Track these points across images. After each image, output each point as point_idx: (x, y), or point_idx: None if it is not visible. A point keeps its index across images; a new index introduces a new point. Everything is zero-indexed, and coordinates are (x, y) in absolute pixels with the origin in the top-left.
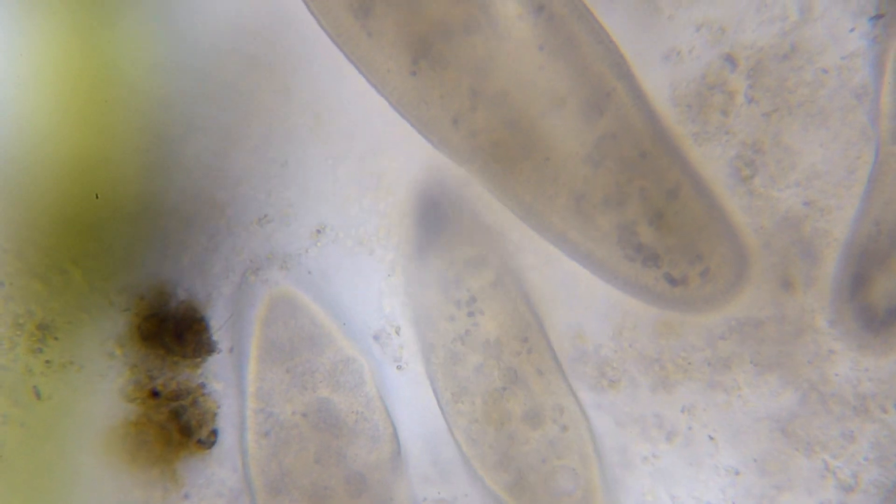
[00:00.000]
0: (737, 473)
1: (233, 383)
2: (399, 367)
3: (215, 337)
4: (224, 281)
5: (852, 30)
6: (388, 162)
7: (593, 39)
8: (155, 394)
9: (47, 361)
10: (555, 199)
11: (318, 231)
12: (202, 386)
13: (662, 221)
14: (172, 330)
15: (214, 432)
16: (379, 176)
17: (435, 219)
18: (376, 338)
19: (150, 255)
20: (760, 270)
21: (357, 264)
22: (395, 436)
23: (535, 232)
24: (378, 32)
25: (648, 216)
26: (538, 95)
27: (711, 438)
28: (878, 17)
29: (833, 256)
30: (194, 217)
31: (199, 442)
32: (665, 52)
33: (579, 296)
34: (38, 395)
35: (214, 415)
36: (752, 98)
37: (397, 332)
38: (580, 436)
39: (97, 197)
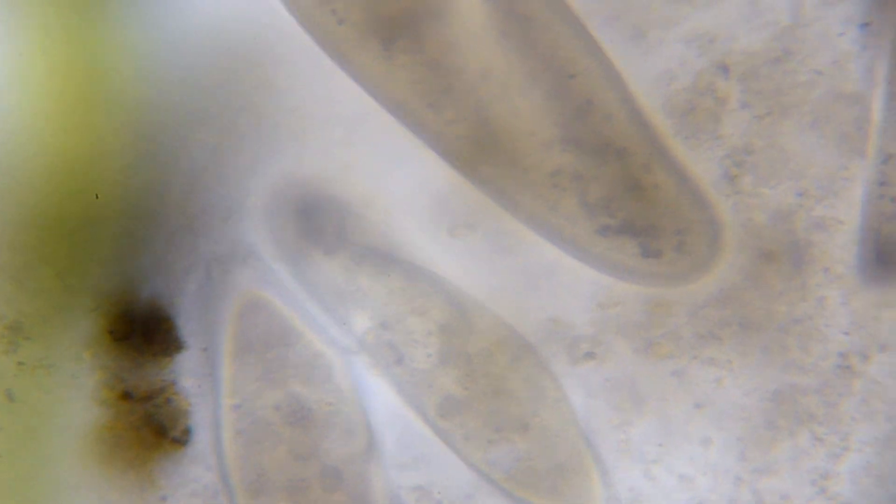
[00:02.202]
0: (712, 444)
1: (204, 380)
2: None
3: (183, 335)
4: (189, 278)
5: (842, 34)
6: (355, 152)
7: (558, 20)
8: (127, 395)
9: (20, 363)
10: (527, 180)
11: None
12: (174, 384)
13: (634, 197)
14: (141, 330)
15: (188, 430)
16: (344, 168)
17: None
18: (345, 330)
19: (117, 253)
20: (734, 243)
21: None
22: (368, 427)
23: (509, 213)
24: (348, 20)
25: (620, 193)
26: (507, 79)
27: (698, 407)
28: (865, 24)
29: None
30: (157, 215)
31: (174, 440)
32: (657, 74)
33: (560, 281)
34: (10, 398)
35: (187, 413)
36: (746, 102)
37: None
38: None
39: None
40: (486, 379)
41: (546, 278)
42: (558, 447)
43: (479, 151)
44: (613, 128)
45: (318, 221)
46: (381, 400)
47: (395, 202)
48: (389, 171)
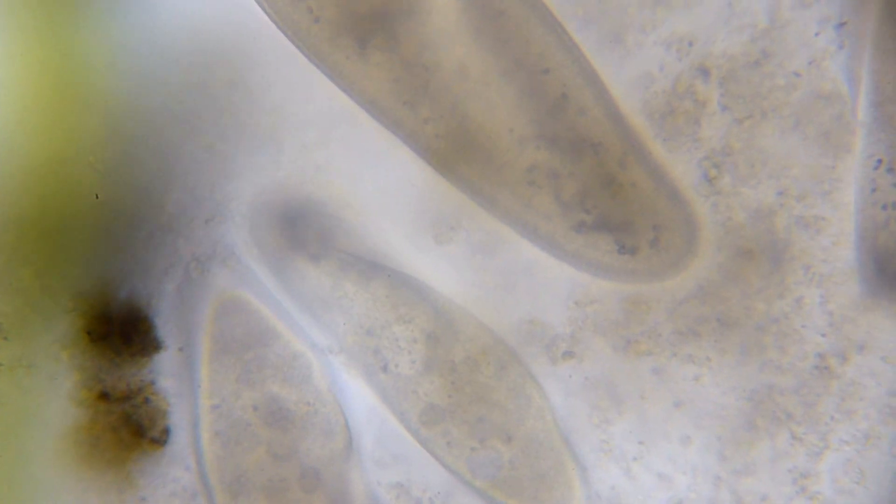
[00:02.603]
0: (692, 443)
1: (182, 380)
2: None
3: (161, 335)
4: (167, 278)
5: (817, 34)
6: (331, 151)
7: (532, 15)
8: (105, 395)
9: None
10: (502, 177)
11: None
12: (152, 384)
13: (610, 194)
14: (119, 330)
15: (167, 430)
16: (319, 167)
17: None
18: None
19: (95, 253)
20: (711, 240)
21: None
22: (347, 427)
23: (486, 211)
24: (323, 18)
25: (595, 189)
26: (482, 76)
27: (678, 406)
28: (842, 24)
29: (813, 244)
30: (136, 214)
31: (152, 441)
32: (636, 77)
33: (538, 279)
34: None
35: (166, 413)
36: (726, 106)
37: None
38: (536, 414)
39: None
40: (470, 387)
41: (524, 277)
42: (542, 456)
43: (456, 149)
44: (588, 123)
45: (302, 228)
46: (360, 399)
47: (372, 202)
48: (366, 170)
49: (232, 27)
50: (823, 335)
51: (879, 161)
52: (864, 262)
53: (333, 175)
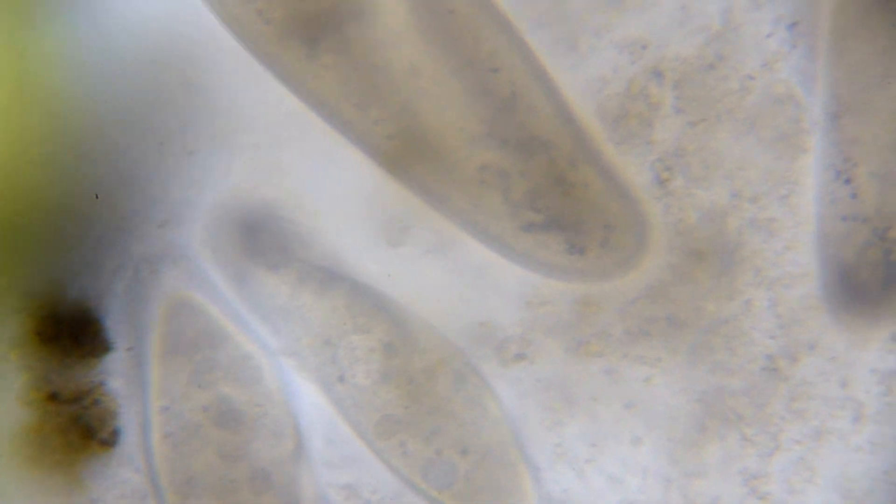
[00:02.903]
0: (643, 445)
1: (132, 381)
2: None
3: (111, 336)
4: (117, 278)
5: (769, 35)
6: (284, 153)
7: (481, 14)
8: (54, 396)
9: None
10: (453, 177)
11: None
12: (102, 385)
13: (559, 193)
14: (68, 331)
15: (116, 432)
16: (271, 168)
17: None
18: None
19: (44, 254)
20: (662, 240)
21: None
22: (297, 429)
23: (437, 211)
24: (272, 20)
25: (545, 188)
26: (432, 76)
27: (628, 407)
28: (793, 24)
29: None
30: (86, 214)
31: (102, 442)
32: (590, 80)
33: (489, 280)
34: None
35: (115, 414)
36: (680, 108)
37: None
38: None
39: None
40: (427, 399)
41: (475, 278)
42: (497, 468)
43: (407, 150)
44: (538, 122)
45: (261, 237)
46: (310, 400)
47: (323, 203)
48: (317, 171)
49: (183, 29)
50: (772, 337)
51: (838, 172)
52: (827, 274)
53: (285, 176)
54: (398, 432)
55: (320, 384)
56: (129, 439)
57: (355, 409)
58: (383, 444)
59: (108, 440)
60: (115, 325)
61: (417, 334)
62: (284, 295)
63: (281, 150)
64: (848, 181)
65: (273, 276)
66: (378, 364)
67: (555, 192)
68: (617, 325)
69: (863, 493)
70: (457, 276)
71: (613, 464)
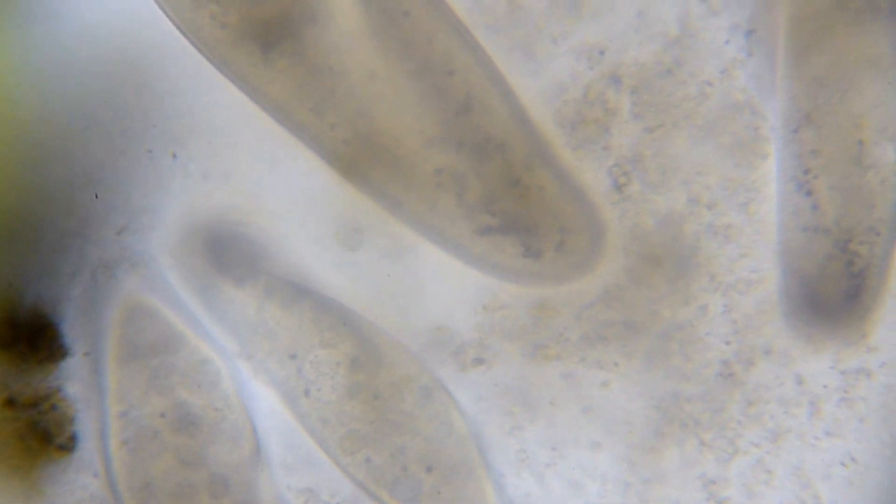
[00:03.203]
0: (602, 450)
1: (89, 386)
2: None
3: (68, 341)
4: (74, 283)
5: (727, 42)
6: (238, 156)
7: (434, 17)
8: (11, 402)
9: None
10: (409, 181)
11: (168, 231)
12: (59, 390)
13: (515, 195)
14: (25, 336)
15: (74, 437)
16: (227, 172)
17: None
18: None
19: (0, 258)
20: (618, 244)
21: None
22: (255, 433)
23: (393, 215)
24: (227, 25)
25: (501, 191)
26: (387, 79)
27: (586, 412)
28: (750, 31)
29: (720, 253)
30: (43, 219)
31: (60, 447)
32: (547, 86)
33: (446, 285)
34: None
35: (73, 419)
36: (637, 114)
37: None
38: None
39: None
40: (393, 415)
41: (432, 282)
42: (462, 485)
43: (363, 154)
44: (494, 124)
45: (227, 250)
46: (267, 404)
47: (279, 207)
48: (273, 175)
49: (138, 33)
50: (727, 343)
51: (799, 184)
52: (789, 286)
53: (241, 180)
54: (363, 448)
55: (286, 398)
56: (87, 444)
57: (320, 424)
58: (348, 460)
59: (66, 445)
60: (72, 330)
61: (384, 349)
62: (251, 309)
63: (236, 154)
64: (809, 193)
65: (240, 290)
66: (344, 379)
67: (510, 195)
68: (574, 330)
69: (820, 483)
70: (413, 280)
71: (573, 469)
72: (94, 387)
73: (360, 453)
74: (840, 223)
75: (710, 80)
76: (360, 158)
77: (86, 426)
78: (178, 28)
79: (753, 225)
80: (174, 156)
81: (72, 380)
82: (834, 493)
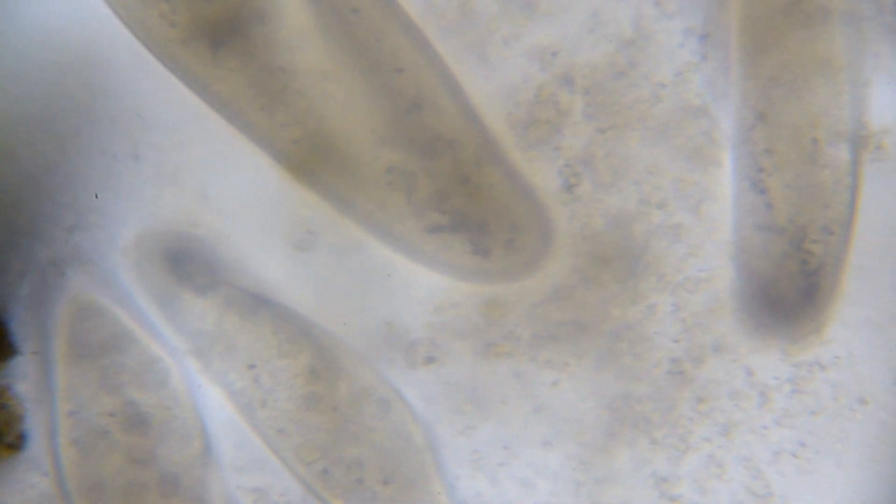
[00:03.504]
0: (553, 449)
1: (38, 385)
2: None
3: (17, 339)
4: (23, 281)
5: (682, 45)
6: (187, 155)
7: (383, 15)
8: None
9: None
10: (359, 179)
11: (118, 229)
12: (8, 389)
13: (464, 193)
14: None
15: (23, 436)
16: (176, 171)
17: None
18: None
19: None
20: (568, 243)
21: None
22: (204, 432)
23: (343, 214)
24: (177, 23)
25: (450, 189)
26: (337, 78)
27: (538, 411)
28: (704, 36)
29: (668, 253)
30: None
31: (9, 446)
32: (499, 87)
33: (397, 284)
34: None
35: (22, 418)
36: (590, 115)
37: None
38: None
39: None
40: (351, 426)
41: (383, 281)
42: (418, 498)
43: (313, 153)
44: (444, 122)
45: (189, 262)
46: (217, 403)
47: (228, 206)
48: (222, 174)
49: (86, 30)
50: (676, 341)
51: (753, 183)
52: (744, 284)
53: (192, 180)
54: (320, 459)
55: (242, 407)
56: (37, 443)
57: (277, 434)
58: (304, 469)
59: (15, 444)
60: (21, 329)
61: (343, 360)
62: (210, 320)
63: (187, 153)
64: (763, 191)
65: (200, 299)
66: (301, 389)
67: (460, 193)
68: (525, 329)
69: (769, 470)
70: (364, 279)
71: (524, 468)
72: (43, 386)
73: (317, 464)
74: (794, 221)
75: (664, 82)
76: (310, 158)
77: (35, 425)
78: (128, 27)
79: (704, 225)
80: (136, 158)
81: (21, 378)
82: (785, 484)
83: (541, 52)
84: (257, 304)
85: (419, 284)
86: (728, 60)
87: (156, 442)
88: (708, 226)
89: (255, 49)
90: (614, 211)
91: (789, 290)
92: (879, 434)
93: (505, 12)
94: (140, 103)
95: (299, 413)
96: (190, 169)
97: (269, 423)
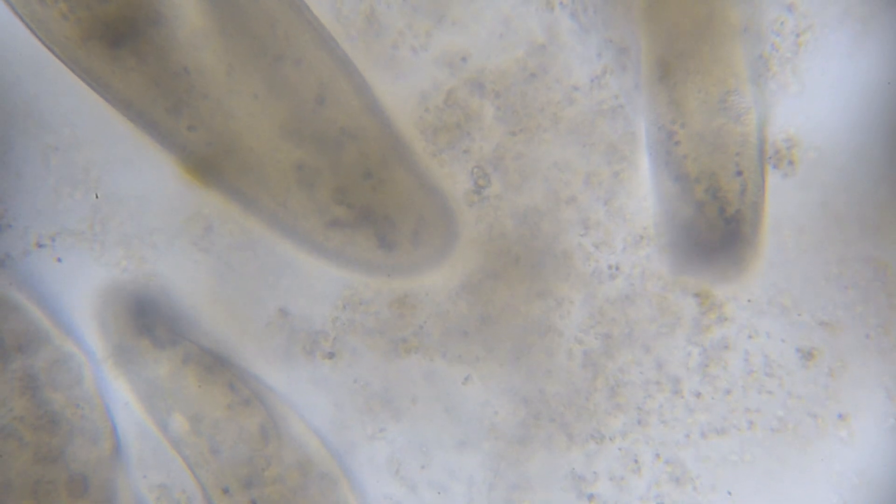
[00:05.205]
0: (467, 451)
1: None
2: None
3: None
4: None
5: (599, 55)
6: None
7: (279, 7)
8: None
9: None
10: (263, 176)
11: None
12: None
13: (369, 188)
14: None
15: None
16: (86, 168)
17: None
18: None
19: None
20: (475, 236)
21: (74, 259)
22: (115, 432)
23: (247, 212)
24: (75, 20)
25: (354, 184)
26: (237, 75)
27: (449, 411)
28: (623, 49)
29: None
30: None
31: None
32: (408, 94)
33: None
34: None
35: None
36: (500, 118)
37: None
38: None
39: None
40: (291, 496)
41: (288, 277)
42: None
43: (216, 153)
44: (347, 116)
45: (150, 315)
46: (125, 402)
47: (130, 204)
48: (122, 172)
49: None
50: (586, 332)
51: (669, 133)
52: (667, 234)
53: (89, 178)
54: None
55: (187, 461)
56: None
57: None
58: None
59: None
60: None
61: (292, 427)
62: (165, 375)
63: (82, 152)
64: (677, 143)
65: (158, 354)
66: (247, 448)
67: (364, 187)
68: (435, 325)
69: (686, 455)
70: (267, 274)
71: (438, 471)
72: None
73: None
74: (709, 169)
75: (577, 84)
76: (213, 157)
77: None
78: (24, 23)
79: (613, 219)
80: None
81: None
82: (701, 467)
83: (451, 57)
84: (214, 362)
85: (326, 280)
86: (640, 71)
87: (65, 441)
88: (617, 219)
89: (151, 49)
90: (523, 209)
91: (710, 236)
92: (791, 405)
93: (412, 21)
94: (34, 99)
95: (240, 468)
96: (87, 167)
97: (212, 480)
